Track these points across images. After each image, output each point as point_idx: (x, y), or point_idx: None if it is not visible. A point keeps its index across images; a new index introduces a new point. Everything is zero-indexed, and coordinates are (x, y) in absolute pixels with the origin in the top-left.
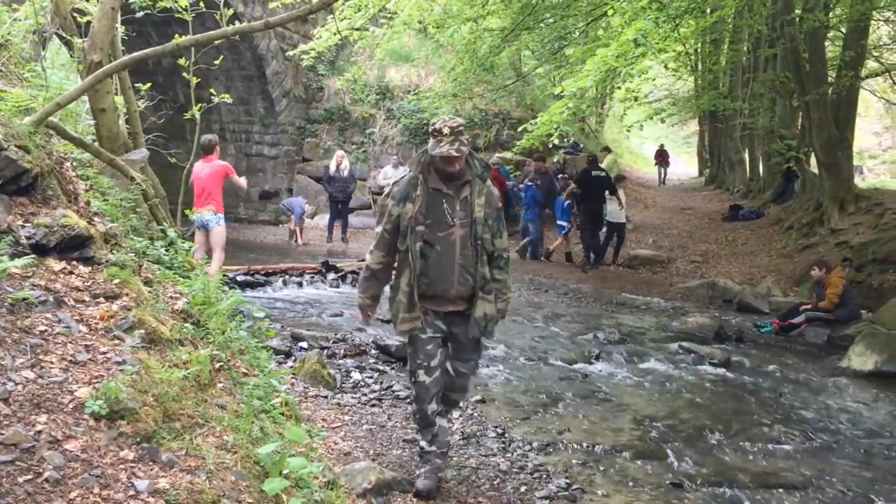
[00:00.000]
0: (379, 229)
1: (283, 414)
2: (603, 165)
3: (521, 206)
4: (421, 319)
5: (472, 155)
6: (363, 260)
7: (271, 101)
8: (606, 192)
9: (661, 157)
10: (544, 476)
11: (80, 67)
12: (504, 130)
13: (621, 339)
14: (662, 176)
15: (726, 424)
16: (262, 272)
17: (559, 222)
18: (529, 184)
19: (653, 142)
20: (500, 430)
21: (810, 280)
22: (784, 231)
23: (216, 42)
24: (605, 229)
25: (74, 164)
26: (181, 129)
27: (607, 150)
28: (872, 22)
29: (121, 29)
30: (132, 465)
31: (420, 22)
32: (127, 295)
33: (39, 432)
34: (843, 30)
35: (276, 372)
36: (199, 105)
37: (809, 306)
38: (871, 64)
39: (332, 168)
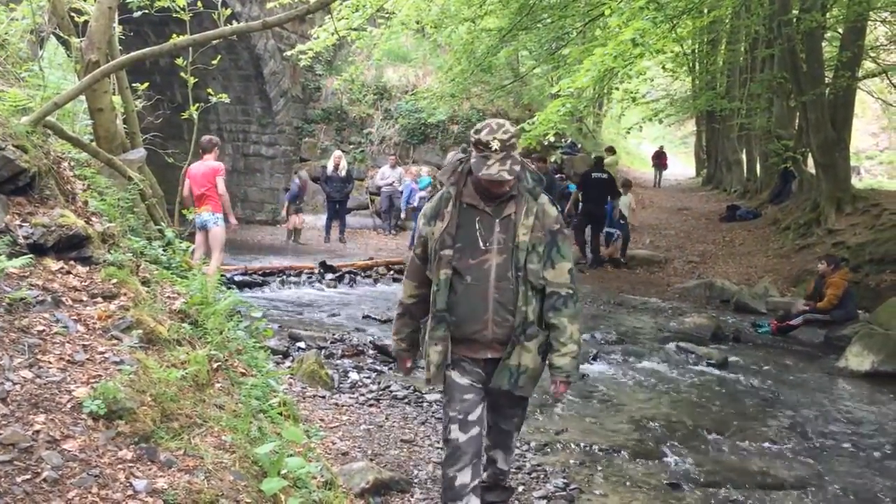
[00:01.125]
0: (412, 254)
1: (281, 414)
2: (593, 167)
3: None
4: (447, 367)
5: (524, 165)
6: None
7: (269, 100)
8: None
9: (659, 159)
10: (542, 476)
11: (78, 67)
12: None
13: (619, 340)
14: (658, 178)
15: (723, 425)
16: (260, 272)
17: (608, 229)
18: None
19: (651, 142)
20: None
21: (810, 279)
22: (781, 231)
23: (214, 42)
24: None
25: (72, 163)
26: (179, 129)
27: (611, 150)
28: (869, 22)
29: (118, 29)
30: (130, 464)
31: (418, 22)
32: (125, 295)
33: (37, 432)
34: (841, 30)
35: (273, 372)
36: (197, 105)
37: (807, 308)
38: (868, 64)
39: (330, 168)
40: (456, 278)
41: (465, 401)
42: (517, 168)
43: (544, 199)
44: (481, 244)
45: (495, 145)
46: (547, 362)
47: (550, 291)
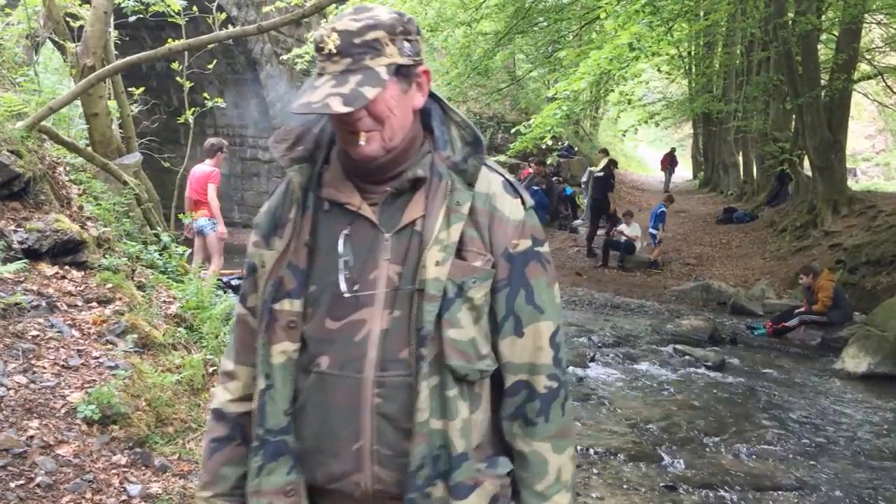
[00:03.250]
0: (238, 309)
1: None
2: (600, 167)
3: None
4: None
5: (446, 110)
6: None
7: (266, 104)
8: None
9: (670, 163)
10: None
11: (73, 72)
12: (498, 134)
13: (616, 342)
14: (667, 181)
15: (720, 427)
16: None
17: (651, 230)
18: (536, 188)
19: (647, 144)
20: None
21: (801, 286)
22: (778, 233)
23: (210, 46)
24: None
25: (67, 168)
26: (175, 134)
27: (605, 152)
28: (865, 25)
29: (114, 33)
30: (124, 469)
31: None
32: (120, 299)
33: (31, 437)
34: (836, 33)
35: None
36: (193, 109)
37: (803, 310)
38: (863, 67)
39: None
40: (302, 361)
41: None
42: (375, 90)
43: (495, 181)
44: (343, 286)
45: (330, 45)
46: None
47: (515, 383)
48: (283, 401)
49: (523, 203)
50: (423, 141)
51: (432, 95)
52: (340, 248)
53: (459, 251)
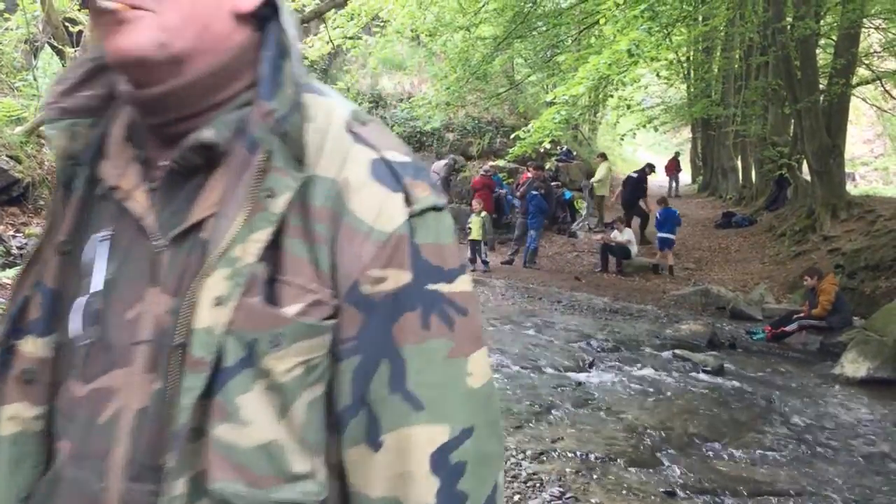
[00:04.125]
0: None
1: None
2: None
3: (516, 214)
4: None
5: (287, 32)
6: None
7: None
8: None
9: (676, 168)
10: (538, 485)
11: None
12: (497, 138)
13: (615, 347)
14: (675, 187)
15: (720, 432)
16: None
17: (661, 234)
18: (535, 193)
19: (646, 149)
20: None
21: (803, 287)
22: (777, 238)
23: None
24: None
25: None
26: None
27: (603, 156)
28: (863, 29)
29: None
30: None
31: (413, 30)
32: None
33: None
34: (835, 37)
35: None
36: None
37: (802, 314)
38: (862, 71)
39: None
40: (47, 438)
41: None
42: None
43: (357, 158)
44: (76, 326)
45: None
46: None
47: None
48: (2, 498)
49: (409, 200)
50: (250, 85)
51: (273, 5)
52: (90, 264)
53: (272, 282)
